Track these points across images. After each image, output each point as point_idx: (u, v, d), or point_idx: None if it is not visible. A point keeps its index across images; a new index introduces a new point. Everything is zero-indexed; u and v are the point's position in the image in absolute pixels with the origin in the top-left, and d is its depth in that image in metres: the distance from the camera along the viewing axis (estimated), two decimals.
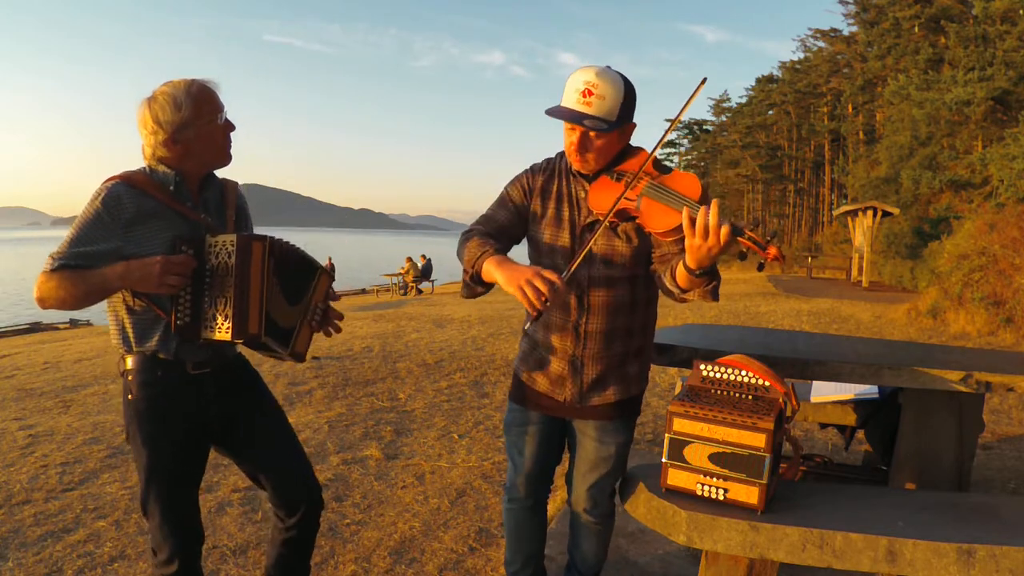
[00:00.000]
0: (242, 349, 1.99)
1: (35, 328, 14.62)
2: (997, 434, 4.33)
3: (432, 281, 21.65)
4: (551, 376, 1.99)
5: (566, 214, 1.92)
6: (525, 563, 2.22)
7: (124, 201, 1.69)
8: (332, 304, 2.00)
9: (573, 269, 1.73)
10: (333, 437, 4.23)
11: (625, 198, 1.74)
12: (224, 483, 3.43)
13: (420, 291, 20.97)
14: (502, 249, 1.83)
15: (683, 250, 1.68)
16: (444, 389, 5.52)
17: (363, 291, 23.32)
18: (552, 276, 1.60)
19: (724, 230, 1.50)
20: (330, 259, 19.95)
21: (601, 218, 1.79)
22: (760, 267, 1.63)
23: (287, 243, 1.86)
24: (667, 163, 1.85)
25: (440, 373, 6.11)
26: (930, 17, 27.66)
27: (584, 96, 1.73)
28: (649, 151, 1.81)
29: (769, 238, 1.53)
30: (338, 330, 2.00)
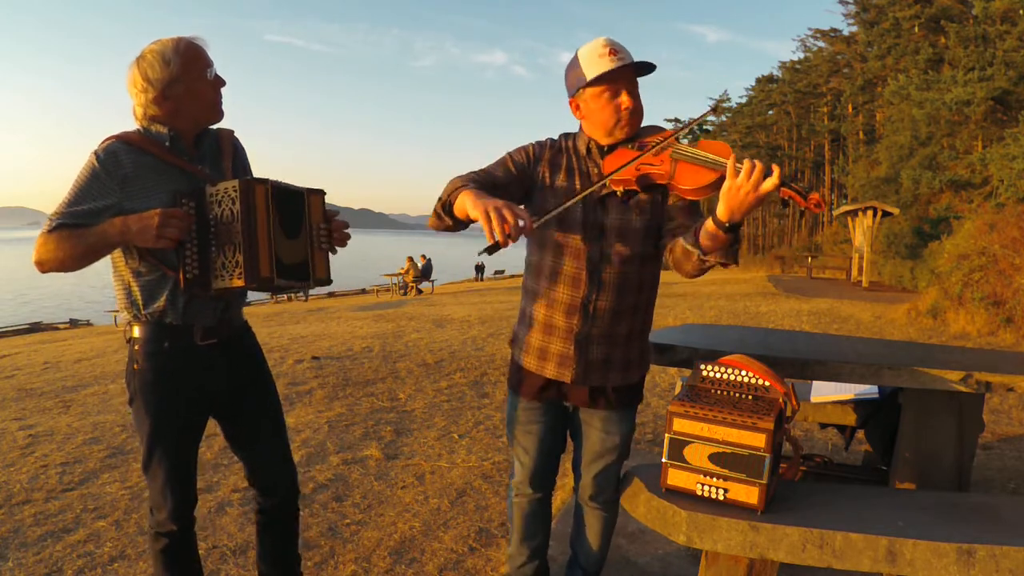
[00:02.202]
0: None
1: (35, 328, 14.64)
2: (997, 434, 4.33)
3: (432, 281, 21.65)
4: (555, 357, 1.94)
5: (577, 185, 1.90)
6: (530, 557, 2.22)
7: (121, 157, 1.69)
8: (335, 219, 1.92)
9: (550, 216, 1.75)
10: (333, 437, 4.23)
11: (649, 164, 1.75)
12: (224, 483, 3.43)
13: (420, 291, 20.97)
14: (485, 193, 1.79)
15: (698, 220, 1.73)
16: (444, 389, 5.52)
17: (363, 291, 23.32)
18: (522, 213, 1.56)
19: (771, 178, 1.51)
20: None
21: (615, 178, 1.79)
22: (802, 214, 1.65)
23: (284, 183, 1.83)
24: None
25: (440, 373, 6.11)
26: (930, 17, 27.67)
27: (613, 55, 1.78)
28: (666, 131, 1.86)
29: (809, 187, 1.55)
30: (346, 239, 1.94)
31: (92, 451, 3.96)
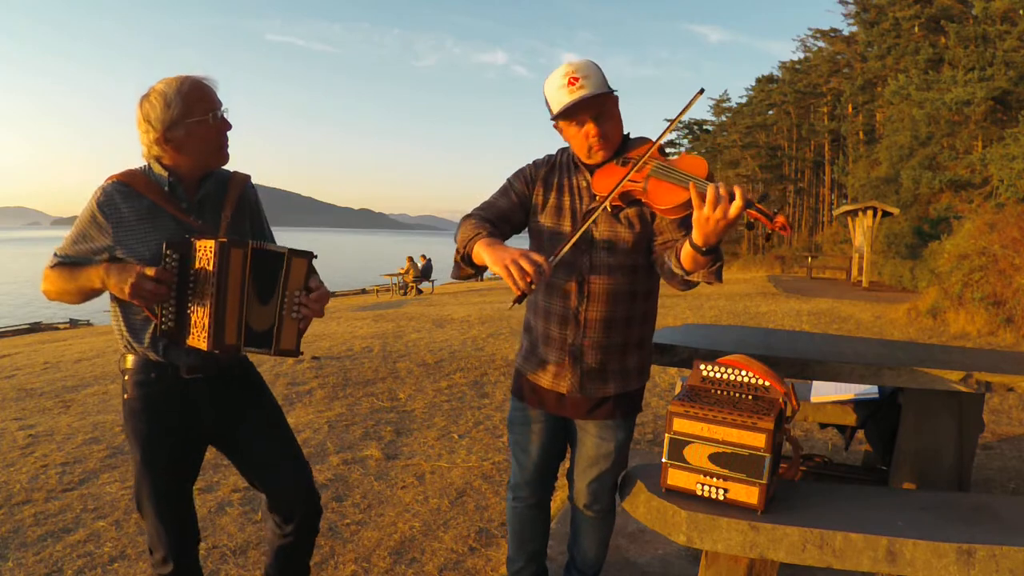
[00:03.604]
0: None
1: (35, 328, 14.63)
2: (997, 434, 4.33)
3: (432, 281, 21.65)
4: (551, 368, 1.98)
5: (567, 203, 1.94)
6: (528, 561, 2.22)
7: (117, 202, 1.71)
8: (318, 290, 1.80)
9: (562, 253, 1.76)
10: (333, 437, 4.23)
11: (631, 180, 1.77)
12: (224, 483, 3.43)
13: (420, 291, 20.96)
14: (496, 233, 1.86)
15: (687, 235, 1.72)
16: (444, 389, 5.52)
17: (363, 291, 23.31)
18: (539, 258, 1.62)
19: (738, 201, 1.51)
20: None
21: (603, 193, 1.82)
22: (767, 237, 1.63)
23: (269, 247, 1.76)
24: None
25: (440, 373, 6.11)
26: (930, 17, 27.68)
27: (572, 84, 1.78)
28: (653, 142, 1.85)
29: (776, 210, 1.56)
30: (319, 313, 1.81)
31: (92, 451, 3.96)
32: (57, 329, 14.36)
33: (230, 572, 2.59)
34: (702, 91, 1.68)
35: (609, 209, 1.85)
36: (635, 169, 1.76)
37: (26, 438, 4.25)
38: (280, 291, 1.75)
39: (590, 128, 1.82)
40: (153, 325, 1.76)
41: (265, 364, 6.28)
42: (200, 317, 1.69)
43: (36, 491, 3.37)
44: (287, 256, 1.75)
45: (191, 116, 1.71)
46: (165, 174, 1.75)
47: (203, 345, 1.68)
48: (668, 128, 1.85)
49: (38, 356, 8.12)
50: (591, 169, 1.92)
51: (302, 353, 1.84)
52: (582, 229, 1.79)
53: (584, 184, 1.93)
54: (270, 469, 1.93)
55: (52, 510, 3.14)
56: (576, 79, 1.78)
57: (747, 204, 1.52)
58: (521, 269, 1.61)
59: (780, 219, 1.52)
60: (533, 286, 1.61)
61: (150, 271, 1.66)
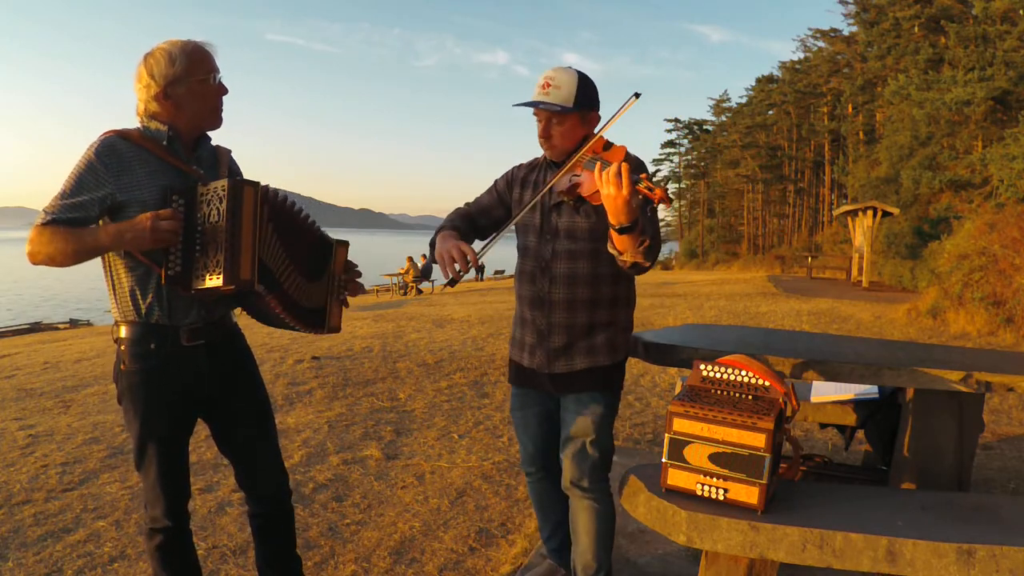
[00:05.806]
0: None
1: (35, 328, 14.64)
2: (997, 434, 4.33)
3: (432, 281, 21.64)
4: (527, 347, 2.17)
5: (528, 198, 2.14)
6: (553, 530, 2.38)
7: (118, 149, 1.72)
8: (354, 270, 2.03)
9: (487, 245, 2.08)
10: (333, 437, 4.23)
11: (573, 175, 1.92)
12: (224, 483, 3.43)
13: (420, 291, 20.96)
14: (461, 227, 2.19)
15: None
16: (444, 389, 5.52)
17: (363, 291, 23.29)
18: (467, 249, 1.94)
19: (624, 179, 1.65)
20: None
21: (559, 190, 1.99)
22: (653, 210, 1.81)
23: (283, 195, 1.82)
24: (635, 155, 2.00)
25: (440, 373, 6.11)
26: (930, 17, 27.70)
27: (544, 88, 2.01)
28: (629, 149, 1.95)
29: (661, 185, 1.66)
30: (360, 289, 2.09)
31: (92, 451, 3.96)
32: (57, 329, 14.37)
33: (230, 572, 2.59)
34: (637, 95, 1.80)
35: (569, 202, 2.03)
36: (569, 164, 1.94)
37: (26, 438, 4.25)
38: (330, 274, 1.95)
39: (539, 128, 2.06)
40: (156, 280, 1.75)
41: (266, 364, 6.28)
42: (213, 255, 1.69)
43: (36, 491, 3.37)
44: (335, 245, 1.97)
45: (194, 75, 1.76)
46: (164, 128, 1.77)
47: (218, 282, 1.67)
48: (603, 128, 1.92)
49: (38, 356, 8.12)
50: (557, 167, 2.10)
51: (340, 331, 2.02)
52: (512, 220, 2.08)
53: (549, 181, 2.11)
54: (245, 443, 1.98)
55: (52, 510, 3.14)
56: (548, 85, 2.00)
57: (633, 181, 1.65)
58: (451, 259, 1.93)
59: (659, 192, 1.64)
60: (461, 273, 1.91)
61: (163, 213, 1.68)
